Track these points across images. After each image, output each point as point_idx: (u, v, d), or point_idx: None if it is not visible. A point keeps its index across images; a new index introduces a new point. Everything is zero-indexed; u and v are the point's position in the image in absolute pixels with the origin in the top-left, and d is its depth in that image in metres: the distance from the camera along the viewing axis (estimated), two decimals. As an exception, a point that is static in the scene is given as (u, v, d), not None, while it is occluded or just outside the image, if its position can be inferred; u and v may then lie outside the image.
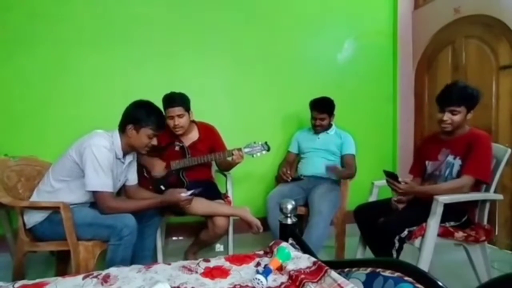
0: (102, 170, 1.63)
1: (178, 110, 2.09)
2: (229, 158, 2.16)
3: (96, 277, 1.20)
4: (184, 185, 2.14)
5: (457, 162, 1.79)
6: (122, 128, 1.76)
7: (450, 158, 1.83)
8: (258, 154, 2.16)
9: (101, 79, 2.68)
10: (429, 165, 1.95)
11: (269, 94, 3.03)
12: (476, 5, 2.67)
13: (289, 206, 1.48)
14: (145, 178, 2.13)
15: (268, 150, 2.19)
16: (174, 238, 2.87)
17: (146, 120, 1.72)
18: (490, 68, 2.58)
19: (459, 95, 1.74)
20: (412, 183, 1.81)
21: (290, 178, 2.44)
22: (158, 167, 2.12)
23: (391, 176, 1.79)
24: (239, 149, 2.13)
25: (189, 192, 1.86)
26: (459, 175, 1.77)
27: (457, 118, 1.76)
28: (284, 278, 1.21)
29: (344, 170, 2.41)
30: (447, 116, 1.77)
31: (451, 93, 1.76)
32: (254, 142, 2.17)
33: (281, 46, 3.05)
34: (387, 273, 1.03)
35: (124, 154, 1.80)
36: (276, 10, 3.03)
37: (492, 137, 2.47)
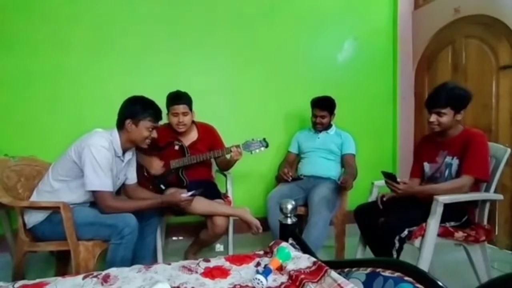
0: (101, 170, 1.63)
1: (183, 107, 2.12)
2: (228, 156, 2.16)
3: (96, 277, 1.20)
4: (184, 184, 2.14)
5: (455, 162, 1.80)
6: (120, 125, 1.77)
7: (448, 159, 1.83)
8: (257, 150, 2.16)
9: (101, 79, 2.68)
10: (427, 167, 1.95)
11: (269, 94, 3.03)
12: (476, 5, 2.67)
13: (289, 206, 1.48)
14: (145, 178, 2.13)
15: (267, 146, 2.18)
16: (174, 238, 2.87)
17: (143, 113, 1.74)
18: (490, 68, 2.58)
19: (444, 97, 1.74)
20: (411, 183, 1.81)
21: (291, 178, 2.44)
22: (156, 165, 2.13)
23: (389, 177, 1.78)
24: (237, 146, 2.13)
25: (190, 193, 1.86)
26: (458, 174, 1.77)
27: (443, 119, 1.76)
28: (284, 278, 1.21)
29: (349, 176, 2.33)
30: (433, 118, 1.78)
31: (437, 95, 1.76)
32: (253, 139, 2.17)
33: (282, 46, 3.05)
34: (387, 273, 1.03)
35: (124, 152, 1.81)
36: (277, 10, 3.03)
37: (492, 137, 2.48)
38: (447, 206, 1.65)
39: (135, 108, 1.75)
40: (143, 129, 1.75)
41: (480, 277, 1.78)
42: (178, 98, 2.14)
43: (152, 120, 1.76)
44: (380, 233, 1.77)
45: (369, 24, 3.29)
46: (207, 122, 2.41)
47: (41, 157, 2.01)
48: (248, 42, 2.97)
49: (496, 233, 2.50)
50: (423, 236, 1.68)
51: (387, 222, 1.76)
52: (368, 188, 2.17)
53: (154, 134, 1.81)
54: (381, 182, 2.02)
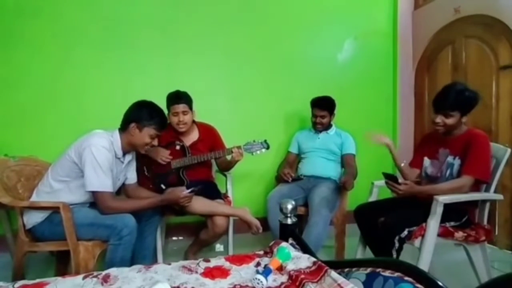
0: (102, 170, 1.63)
1: (183, 107, 2.14)
2: (229, 157, 2.17)
3: (96, 277, 1.20)
4: (184, 184, 2.14)
5: (457, 162, 1.80)
6: (124, 127, 1.76)
7: (449, 158, 1.83)
8: (258, 152, 2.17)
9: (101, 79, 2.68)
10: (427, 162, 1.96)
11: (269, 94, 3.03)
12: (476, 5, 2.67)
13: (289, 206, 1.48)
14: (146, 177, 2.13)
15: (268, 148, 2.19)
16: (174, 238, 2.87)
17: (149, 119, 1.74)
18: (490, 68, 2.58)
19: (454, 100, 1.72)
20: (411, 184, 1.80)
21: (291, 178, 2.44)
22: (162, 153, 2.12)
23: (390, 178, 1.78)
24: (239, 147, 2.14)
25: (189, 190, 1.86)
26: (459, 174, 1.77)
27: (450, 121, 1.75)
28: (284, 278, 1.21)
29: (349, 176, 2.33)
30: (440, 119, 1.77)
31: (446, 97, 1.74)
32: (254, 140, 2.17)
33: (281, 46, 3.05)
34: (387, 273, 1.03)
35: (124, 154, 1.81)
36: (276, 10, 3.03)
37: (492, 137, 2.48)
38: (447, 206, 1.65)
39: (142, 113, 1.74)
40: (146, 136, 1.75)
41: (480, 277, 1.78)
42: (178, 97, 2.15)
43: (156, 129, 1.76)
44: (380, 233, 1.77)
45: (369, 24, 3.30)
46: (208, 122, 2.41)
47: (41, 157, 2.01)
48: (248, 42, 2.97)
49: (496, 233, 2.50)
50: (423, 236, 1.68)
51: (387, 222, 1.76)
52: (368, 188, 2.17)
53: (155, 143, 1.82)
54: (381, 182, 2.02)
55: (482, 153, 1.72)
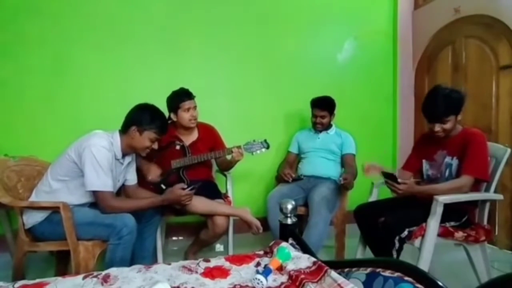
0: (102, 170, 1.63)
1: (194, 102, 2.19)
2: (229, 156, 2.17)
3: (96, 277, 1.20)
4: (185, 184, 2.14)
5: (455, 162, 1.80)
6: (125, 129, 1.76)
7: (447, 159, 1.83)
8: (258, 151, 2.17)
9: (101, 79, 2.68)
10: (427, 165, 1.95)
11: (269, 94, 3.04)
12: (476, 5, 2.67)
13: (289, 206, 1.48)
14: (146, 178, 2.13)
15: (268, 147, 2.19)
16: (174, 238, 2.87)
17: (150, 123, 1.74)
18: (490, 68, 2.58)
19: (444, 107, 1.71)
20: (411, 183, 1.80)
21: (291, 178, 2.43)
22: (154, 172, 2.12)
23: (389, 177, 1.78)
24: (239, 147, 2.14)
25: (189, 188, 1.86)
26: (458, 174, 1.77)
27: (447, 126, 1.75)
28: (284, 278, 1.21)
29: (350, 175, 2.33)
30: (438, 127, 1.76)
31: (436, 105, 1.73)
32: (254, 140, 2.17)
33: (282, 46, 3.05)
34: (387, 273, 1.03)
35: (123, 155, 1.80)
36: (277, 10, 3.03)
37: (492, 137, 2.48)
38: (447, 206, 1.65)
39: (144, 117, 1.74)
40: (146, 139, 1.75)
41: (480, 277, 1.78)
42: (188, 93, 2.18)
43: (157, 132, 1.76)
44: (380, 233, 1.77)
45: (369, 24, 3.30)
46: (208, 122, 2.41)
47: (41, 157, 2.01)
48: (248, 42, 2.97)
49: (496, 233, 2.50)
50: (423, 236, 1.68)
51: (387, 222, 1.75)
52: (368, 188, 2.17)
53: (155, 146, 1.81)
54: (381, 182, 2.02)
55: (480, 152, 1.72)
